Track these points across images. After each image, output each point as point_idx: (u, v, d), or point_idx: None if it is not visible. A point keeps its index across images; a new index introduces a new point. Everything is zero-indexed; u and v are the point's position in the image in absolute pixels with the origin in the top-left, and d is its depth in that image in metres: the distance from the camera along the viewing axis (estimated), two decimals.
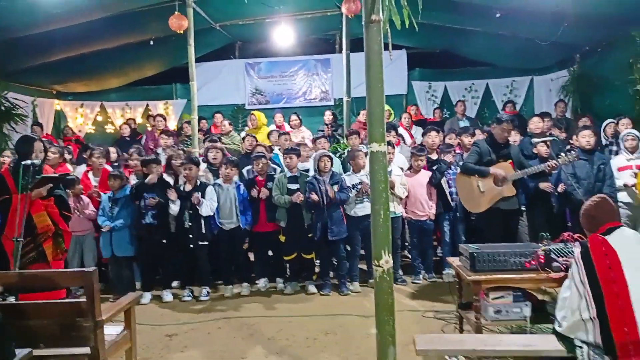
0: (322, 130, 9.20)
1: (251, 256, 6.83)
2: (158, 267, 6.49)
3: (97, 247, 6.33)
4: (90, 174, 6.71)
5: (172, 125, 11.36)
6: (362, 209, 6.08)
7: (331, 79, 12.34)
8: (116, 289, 6.10)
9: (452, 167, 6.46)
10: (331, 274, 6.42)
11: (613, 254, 3.09)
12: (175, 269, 6.40)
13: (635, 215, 6.07)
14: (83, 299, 3.18)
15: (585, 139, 5.99)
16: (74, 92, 12.41)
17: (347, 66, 8.77)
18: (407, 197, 6.45)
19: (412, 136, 9.03)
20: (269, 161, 6.66)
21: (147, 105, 12.46)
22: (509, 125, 5.65)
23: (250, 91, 12.56)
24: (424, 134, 7.20)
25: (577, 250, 3.28)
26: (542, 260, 3.77)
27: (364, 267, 6.59)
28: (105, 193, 6.44)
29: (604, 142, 7.33)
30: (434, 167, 6.51)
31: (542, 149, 6.20)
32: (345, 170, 6.91)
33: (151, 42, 9.78)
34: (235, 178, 6.47)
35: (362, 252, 6.46)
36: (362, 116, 9.17)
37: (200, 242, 6.12)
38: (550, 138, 6.53)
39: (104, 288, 6.00)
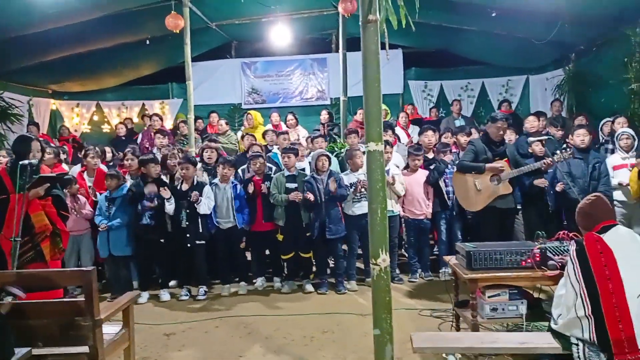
0: (318, 130, 9.21)
1: (248, 255, 6.85)
2: (155, 267, 6.50)
3: (94, 246, 6.33)
4: (85, 174, 6.70)
5: (169, 124, 11.35)
6: (360, 207, 6.09)
7: (327, 79, 12.35)
8: (114, 289, 6.12)
9: (449, 166, 6.48)
10: (328, 271, 6.43)
11: (608, 252, 3.11)
12: (172, 269, 6.40)
13: (630, 213, 6.12)
14: (82, 298, 3.19)
15: (579, 137, 6.03)
16: (69, 92, 12.39)
17: (343, 65, 8.79)
18: (404, 195, 6.48)
19: (409, 135, 9.05)
20: (265, 161, 6.66)
21: (144, 104, 12.45)
22: (503, 123, 5.68)
23: (247, 90, 12.57)
24: (420, 133, 7.22)
25: (572, 248, 3.30)
26: (538, 259, 3.80)
27: (361, 265, 6.60)
28: (100, 193, 6.45)
29: (602, 140, 7.38)
30: (432, 166, 6.53)
31: (537, 148, 6.24)
32: (343, 169, 6.92)
33: (147, 42, 9.77)
34: (232, 177, 6.47)
35: (360, 251, 6.48)
36: (359, 115, 9.18)
37: (197, 242, 6.12)
38: (546, 137, 6.57)
39: (101, 287, 6.00)
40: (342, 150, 7.61)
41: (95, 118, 12.55)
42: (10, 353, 2.71)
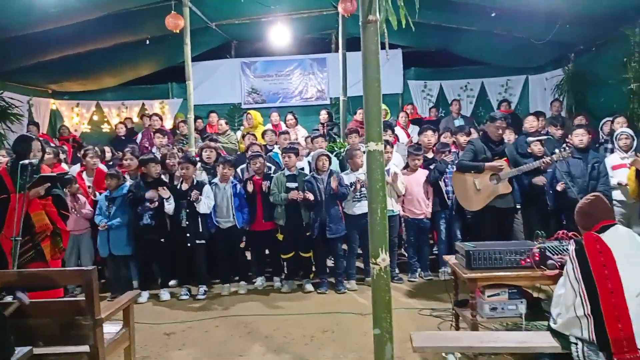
0: (317, 130, 9.22)
1: (248, 255, 6.86)
2: (155, 266, 6.50)
3: (94, 246, 6.34)
4: (84, 174, 6.71)
5: (169, 124, 11.35)
6: (360, 207, 6.09)
7: (327, 78, 12.34)
8: (114, 288, 6.13)
9: (449, 165, 6.49)
10: (328, 270, 6.44)
11: (607, 252, 3.13)
12: (172, 268, 6.41)
13: (630, 213, 6.13)
14: (82, 298, 3.20)
15: (578, 137, 6.04)
16: (69, 92, 12.39)
17: (343, 65, 8.79)
18: (404, 195, 6.49)
19: (408, 135, 9.06)
20: (265, 161, 6.67)
21: (143, 104, 12.44)
22: (502, 123, 5.69)
23: (246, 90, 12.57)
24: (420, 133, 7.23)
25: (571, 247, 3.31)
26: (537, 258, 3.81)
27: (361, 265, 6.61)
28: (99, 192, 6.46)
29: (602, 139, 7.39)
30: (432, 166, 6.54)
31: (536, 148, 6.25)
32: (342, 169, 6.93)
33: (147, 42, 9.78)
34: (232, 177, 6.48)
35: (359, 250, 6.48)
36: (359, 115, 9.19)
37: (197, 241, 6.13)
38: (545, 137, 6.58)
39: (100, 287, 5.99)
40: (342, 150, 7.62)
41: (95, 118, 12.54)
42: (11, 351, 2.72)
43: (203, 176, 6.69)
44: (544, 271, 3.76)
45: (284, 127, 9.32)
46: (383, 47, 3.28)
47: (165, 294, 6.14)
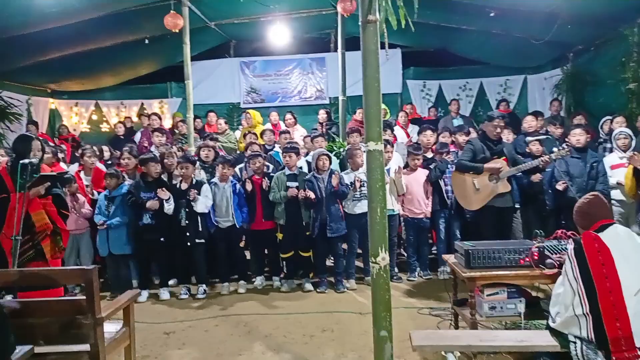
0: (316, 129, 9.22)
1: (247, 254, 6.87)
2: (154, 265, 6.51)
3: (93, 245, 6.34)
4: (82, 173, 6.71)
5: (168, 124, 11.35)
6: (360, 206, 6.11)
7: (326, 78, 12.35)
8: (113, 287, 6.13)
9: (449, 165, 6.50)
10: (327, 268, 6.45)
11: (606, 251, 3.14)
12: (172, 267, 6.41)
13: (628, 212, 6.15)
14: (83, 297, 3.21)
15: (575, 137, 6.05)
16: (68, 91, 12.39)
17: (342, 65, 8.80)
18: (404, 194, 6.50)
19: (408, 135, 9.07)
20: (265, 160, 6.68)
21: (142, 104, 12.45)
22: (500, 121, 5.70)
23: (246, 90, 12.57)
24: (419, 133, 7.24)
25: (570, 247, 3.33)
26: (536, 257, 3.82)
27: (360, 264, 6.62)
28: (97, 191, 6.47)
29: (601, 139, 7.41)
30: (433, 165, 6.55)
31: (534, 147, 6.26)
32: (342, 168, 6.94)
33: (146, 41, 9.78)
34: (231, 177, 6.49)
35: (359, 250, 6.50)
36: (359, 115, 9.20)
37: (197, 240, 6.14)
38: (544, 136, 6.60)
39: (100, 286, 6.00)
40: (341, 149, 7.63)
41: (94, 117, 12.55)
42: (11, 349, 2.72)
43: (202, 175, 6.69)
44: (543, 270, 3.77)
45: (283, 127, 9.32)
46: (382, 47, 3.29)
47: (164, 293, 6.15)
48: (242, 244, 6.80)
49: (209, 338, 4.84)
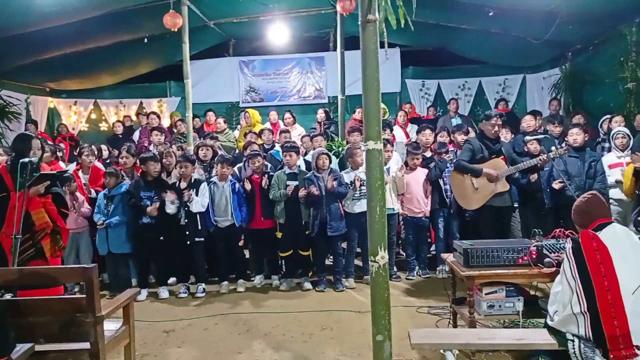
0: (315, 129, 9.23)
1: (246, 253, 6.88)
2: (152, 264, 6.51)
3: (92, 244, 6.35)
4: (80, 172, 6.72)
5: (167, 123, 11.36)
6: (360, 205, 6.11)
7: (325, 77, 12.35)
8: (112, 286, 6.14)
9: (449, 164, 6.52)
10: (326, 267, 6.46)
11: (604, 250, 3.15)
12: (171, 266, 6.42)
13: (626, 211, 6.16)
14: (83, 295, 3.22)
15: (572, 137, 6.07)
16: (67, 90, 12.40)
17: (341, 64, 8.80)
18: (403, 194, 6.51)
19: (407, 134, 9.08)
20: (264, 160, 6.69)
21: (141, 103, 12.45)
22: (497, 120, 5.72)
23: (245, 89, 12.57)
24: (418, 132, 7.26)
25: (568, 245, 3.34)
26: (535, 256, 3.83)
27: (359, 263, 6.64)
28: (95, 190, 6.47)
29: (601, 138, 7.43)
30: (433, 164, 6.57)
31: (532, 147, 6.28)
32: (342, 167, 6.95)
33: (145, 40, 9.78)
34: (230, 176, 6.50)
35: (358, 249, 6.51)
36: (358, 114, 9.22)
37: (196, 239, 6.15)
38: (542, 136, 6.61)
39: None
40: (340, 148, 7.64)
41: (93, 116, 12.56)
42: (11, 347, 2.74)
43: (200, 172, 6.70)
44: (541, 269, 3.78)
45: (282, 126, 9.33)
46: (382, 46, 3.30)
47: (164, 292, 6.16)
48: (241, 243, 6.80)
49: (208, 337, 4.85)
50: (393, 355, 3.34)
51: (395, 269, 6.50)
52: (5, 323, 2.78)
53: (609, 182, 6.06)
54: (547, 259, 3.78)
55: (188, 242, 6.12)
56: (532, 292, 4.34)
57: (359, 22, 3.25)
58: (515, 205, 6.27)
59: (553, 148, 5.67)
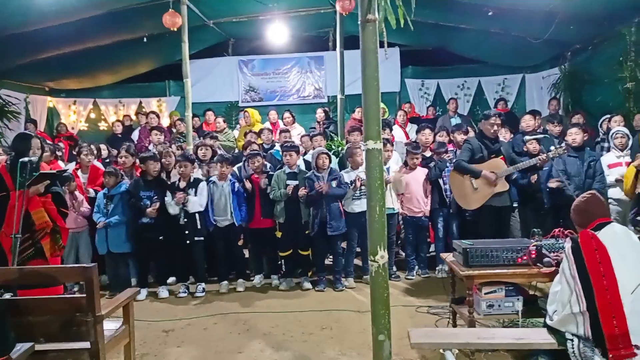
0: (314, 128, 9.23)
1: (246, 252, 6.88)
2: (151, 264, 6.51)
3: (92, 244, 6.35)
4: (79, 172, 6.72)
5: (166, 122, 11.35)
6: (359, 205, 6.11)
7: (325, 77, 12.33)
8: (112, 285, 6.14)
9: (448, 164, 6.52)
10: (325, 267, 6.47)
11: (603, 249, 3.16)
12: (170, 265, 6.42)
13: (625, 211, 6.16)
14: (83, 295, 3.22)
15: (571, 136, 6.08)
16: (66, 89, 12.38)
17: (340, 64, 8.80)
18: (402, 193, 6.51)
19: (406, 133, 9.08)
20: (264, 159, 6.69)
21: (141, 102, 12.43)
22: (496, 119, 5.72)
23: (244, 88, 12.56)
24: (417, 132, 7.26)
25: (567, 245, 3.35)
26: (534, 256, 3.84)
27: (359, 263, 6.64)
28: (93, 189, 6.47)
29: (600, 137, 7.44)
30: (433, 164, 6.57)
31: (531, 146, 6.28)
32: (341, 167, 6.95)
33: (144, 40, 9.77)
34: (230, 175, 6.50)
35: (358, 248, 6.51)
36: (358, 113, 9.21)
37: (196, 238, 6.15)
38: (541, 135, 6.62)
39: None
40: (339, 148, 7.64)
41: (92, 116, 12.54)
42: (11, 347, 2.74)
43: (199, 172, 6.70)
44: (541, 269, 3.79)
45: (281, 126, 9.33)
46: (382, 46, 3.30)
47: (163, 292, 6.16)
48: (240, 243, 6.80)
49: (207, 336, 4.85)
50: (393, 354, 3.34)
51: (394, 268, 6.51)
52: (5, 322, 2.78)
53: (608, 182, 6.07)
54: (546, 259, 3.79)
55: (187, 242, 6.13)
56: (531, 292, 4.34)
57: (359, 22, 3.25)
58: (515, 205, 6.28)
59: (552, 148, 5.67)
